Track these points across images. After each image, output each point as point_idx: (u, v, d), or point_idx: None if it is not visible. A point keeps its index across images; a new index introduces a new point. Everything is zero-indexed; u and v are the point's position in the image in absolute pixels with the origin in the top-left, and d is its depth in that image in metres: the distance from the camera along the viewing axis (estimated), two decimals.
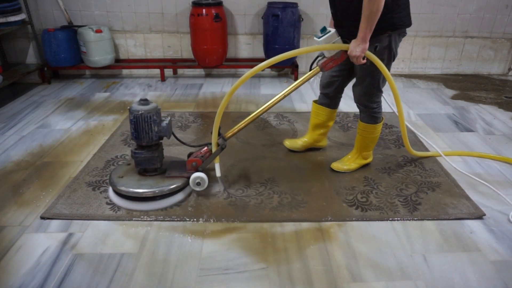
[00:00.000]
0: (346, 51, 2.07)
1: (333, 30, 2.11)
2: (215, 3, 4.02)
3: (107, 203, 2.17)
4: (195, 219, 2.06)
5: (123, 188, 2.12)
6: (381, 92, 2.29)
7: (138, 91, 4.00)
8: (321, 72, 2.34)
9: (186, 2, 4.25)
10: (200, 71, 4.58)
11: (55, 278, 1.69)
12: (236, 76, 4.53)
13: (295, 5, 4.05)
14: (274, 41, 4.10)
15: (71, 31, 4.09)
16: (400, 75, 4.54)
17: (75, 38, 4.10)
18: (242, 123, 2.27)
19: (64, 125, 3.18)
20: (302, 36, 4.35)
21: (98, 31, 4.03)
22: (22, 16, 3.87)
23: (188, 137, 2.96)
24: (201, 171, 2.19)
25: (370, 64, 2.07)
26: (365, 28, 1.91)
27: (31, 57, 4.32)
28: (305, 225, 2.04)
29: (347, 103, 3.67)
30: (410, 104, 3.66)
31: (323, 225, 2.04)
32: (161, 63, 4.41)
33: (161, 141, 2.20)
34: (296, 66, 4.31)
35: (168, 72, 4.52)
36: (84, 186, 2.33)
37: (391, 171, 2.52)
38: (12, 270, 1.73)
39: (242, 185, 2.36)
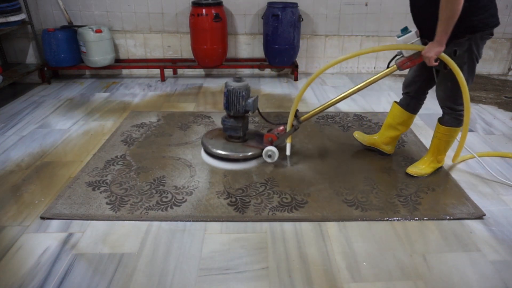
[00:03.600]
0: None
1: (413, 31, 2.12)
2: (215, 3, 4.02)
3: (107, 203, 2.17)
4: (195, 219, 2.06)
5: (212, 148, 2.57)
6: None
7: (138, 91, 4.00)
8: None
9: (186, 2, 4.25)
10: (200, 71, 4.58)
11: (55, 278, 1.69)
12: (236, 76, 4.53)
13: (295, 5, 4.05)
14: (274, 41, 4.10)
15: (71, 31, 4.09)
16: (401, 75, 4.54)
17: (75, 38, 4.10)
18: (317, 109, 2.50)
19: (64, 125, 3.18)
20: (302, 36, 4.35)
21: (98, 31, 4.03)
22: (22, 16, 3.87)
23: (189, 137, 2.97)
24: (275, 146, 2.51)
25: (450, 69, 2.06)
26: (441, 31, 1.92)
27: (31, 57, 4.32)
28: (305, 225, 2.04)
29: (347, 103, 3.67)
30: None
31: (323, 225, 2.04)
32: (161, 63, 4.41)
33: (247, 114, 2.58)
34: (296, 66, 4.31)
35: (168, 72, 4.52)
36: (84, 186, 2.33)
37: (391, 171, 2.52)
38: (12, 270, 1.73)
39: (242, 184, 2.36)
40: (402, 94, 2.55)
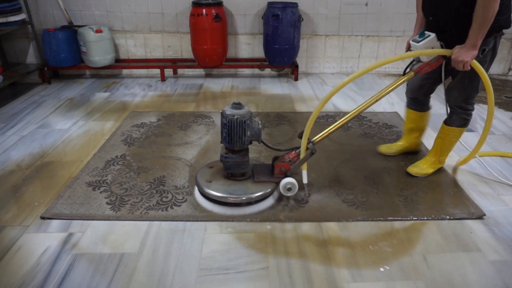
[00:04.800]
0: (442, 56, 2.06)
1: (432, 35, 2.03)
2: (215, 3, 4.02)
3: (107, 203, 2.17)
4: (195, 219, 2.06)
5: (217, 194, 2.10)
6: (478, 93, 2.23)
7: (138, 91, 4.00)
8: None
9: (186, 2, 4.25)
10: (200, 71, 4.59)
11: (55, 278, 1.69)
12: (236, 76, 4.53)
13: (295, 5, 4.05)
14: (274, 41, 4.10)
15: (71, 31, 4.09)
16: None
17: (75, 38, 4.10)
18: (330, 128, 2.18)
19: (64, 125, 3.18)
20: (302, 36, 4.35)
21: (98, 31, 4.03)
22: (22, 16, 3.88)
23: (189, 137, 2.97)
24: (290, 176, 2.16)
25: (471, 69, 2.04)
26: (477, 34, 1.89)
27: (31, 57, 4.32)
28: (305, 225, 2.04)
29: (347, 103, 3.67)
30: None
31: (323, 225, 2.04)
32: (161, 63, 4.41)
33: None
34: (296, 66, 4.31)
35: (168, 72, 4.52)
36: (84, 186, 2.33)
37: (391, 171, 2.52)
38: (12, 270, 1.73)
39: None
40: (409, 99, 2.54)
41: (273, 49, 4.16)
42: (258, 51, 4.51)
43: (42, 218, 2.07)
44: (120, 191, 2.29)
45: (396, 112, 3.45)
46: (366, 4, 4.31)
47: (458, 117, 2.30)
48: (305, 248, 1.88)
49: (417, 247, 1.89)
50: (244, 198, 2.10)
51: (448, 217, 2.09)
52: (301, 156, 2.15)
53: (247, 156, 2.15)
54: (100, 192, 2.28)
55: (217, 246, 1.89)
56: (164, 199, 2.22)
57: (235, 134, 2.05)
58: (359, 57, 4.58)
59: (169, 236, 1.95)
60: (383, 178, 2.45)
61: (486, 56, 2.08)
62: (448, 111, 2.34)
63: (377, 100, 2.16)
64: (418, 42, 2.06)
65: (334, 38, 4.47)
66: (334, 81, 4.34)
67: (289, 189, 2.14)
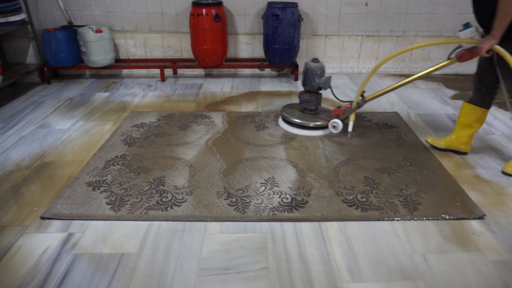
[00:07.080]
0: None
1: (473, 27, 2.32)
2: (215, 3, 4.02)
3: (107, 203, 2.17)
4: (195, 219, 2.06)
5: (297, 120, 3.05)
6: None
7: (138, 91, 4.00)
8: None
9: (186, 2, 4.25)
10: (200, 71, 4.58)
11: (55, 278, 1.69)
12: (236, 76, 4.53)
13: (295, 5, 4.05)
14: (274, 41, 4.10)
15: (71, 31, 4.09)
16: (400, 75, 4.54)
17: (75, 38, 4.10)
18: (384, 90, 2.83)
19: (64, 125, 3.18)
20: (302, 36, 4.35)
21: (98, 31, 4.03)
22: (22, 16, 3.88)
23: (189, 137, 2.97)
24: (340, 120, 2.92)
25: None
26: (497, 27, 2.16)
27: (31, 57, 4.32)
28: (305, 225, 2.04)
29: None
30: (410, 104, 3.66)
31: (323, 225, 2.04)
32: (161, 63, 4.41)
33: (320, 91, 3.08)
34: (296, 66, 4.31)
35: (168, 72, 4.52)
36: (84, 186, 2.33)
37: (391, 171, 2.52)
38: (12, 270, 1.73)
39: (242, 185, 2.36)
40: (473, 91, 2.63)
41: (273, 49, 4.16)
42: (258, 51, 4.51)
43: (42, 218, 2.07)
44: (120, 191, 2.29)
45: (396, 112, 3.45)
46: (366, 4, 4.31)
47: None
48: (305, 248, 1.88)
49: (417, 247, 1.89)
50: (311, 125, 3.01)
51: (448, 217, 2.10)
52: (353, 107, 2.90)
53: (315, 97, 3.04)
54: (100, 192, 2.28)
55: (217, 246, 1.89)
56: (164, 199, 2.22)
57: (307, 78, 2.98)
58: (359, 57, 4.58)
59: (169, 236, 1.95)
60: (383, 178, 2.45)
61: None
62: None
63: (420, 78, 2.67)
64: (461, 31, 2.37)
65: (334, 38, 4.47)
66: (334, 81, 4.33)
67: (334, 127, 2.94)
